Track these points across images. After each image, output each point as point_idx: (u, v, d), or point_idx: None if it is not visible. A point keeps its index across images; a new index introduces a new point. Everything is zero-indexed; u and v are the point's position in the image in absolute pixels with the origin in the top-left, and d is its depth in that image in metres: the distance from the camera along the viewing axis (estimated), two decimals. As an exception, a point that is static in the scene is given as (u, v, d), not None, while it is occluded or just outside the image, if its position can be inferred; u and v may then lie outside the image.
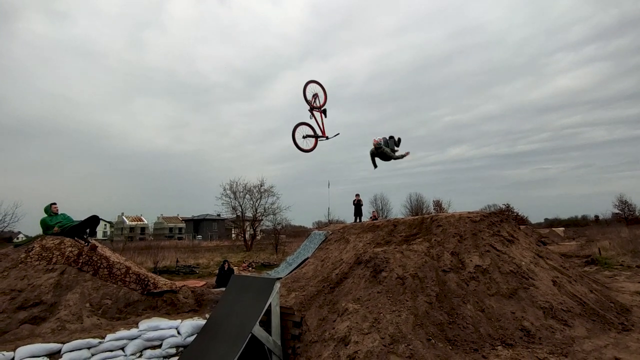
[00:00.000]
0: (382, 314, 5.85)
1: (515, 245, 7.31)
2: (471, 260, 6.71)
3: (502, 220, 8.09)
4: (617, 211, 52.95)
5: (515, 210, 48.24)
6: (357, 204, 18.26)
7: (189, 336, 7.11)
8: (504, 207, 47.23)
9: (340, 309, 6.54)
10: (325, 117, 10.37)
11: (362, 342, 5.39)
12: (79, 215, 8.72)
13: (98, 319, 6.89)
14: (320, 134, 9.87)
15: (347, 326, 5.90)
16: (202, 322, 7.28)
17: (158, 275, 10.24)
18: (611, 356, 4.89)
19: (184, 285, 8.56)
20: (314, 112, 10.11)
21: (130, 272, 7.93)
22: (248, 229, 40.13)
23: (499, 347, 5.18)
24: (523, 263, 6.71)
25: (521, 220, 45.75)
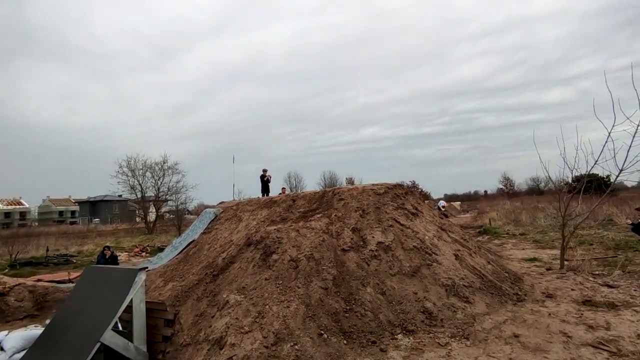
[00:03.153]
0: (267, 306, 4.82)
1: (419, 218, 6.83)
2: (373, 237, 6.01)
3: (407, 193, 7.60)
4: (501, 186, 60.26)
5: (420, 187, 51.68)
6: (265, 180, 17.08)
7: (18, 352, 5.35)
8: (410, 183, 50.19)
9: (221, 301, 5.36)
10: None
11: (240, 344, 4.31)
12: None
13: None
14: None
15: (226, 323, 4.76)
16: (39, 331, 5.54)
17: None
18: (510, 333, 4.54)
19: (20, 283, 6.56)
20: None
21: None
22: (152, 209, 36.45)
23: (399, 335, 4.51)
24: (427, 237, 6.23)
25: (425, 196, 49.20)
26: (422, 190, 49.61)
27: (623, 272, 7.22)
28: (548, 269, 7.85)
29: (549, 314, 5.12)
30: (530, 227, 17.52)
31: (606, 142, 6.92)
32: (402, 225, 6.27)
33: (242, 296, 5.24)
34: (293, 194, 8.36)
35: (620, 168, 6.93)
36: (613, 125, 6.79)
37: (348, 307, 4.86)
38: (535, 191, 52.34)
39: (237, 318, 4.79)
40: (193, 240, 8.17)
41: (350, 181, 47.89)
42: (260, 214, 7.78)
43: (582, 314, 5.08)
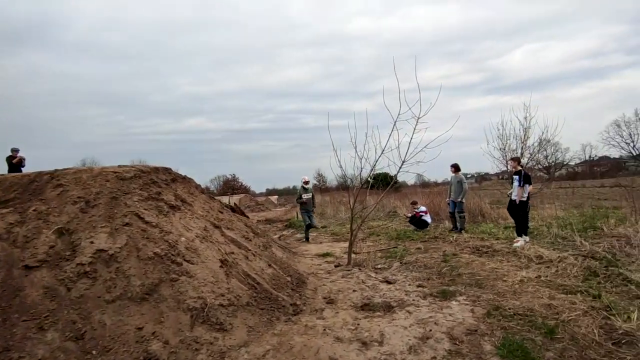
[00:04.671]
0: None
1: (181, 212, 5.04)
2: (92, 242, 3.88)
3: (175, 180, 5.73)
4: (315, 182, 65.82)
5: (240, 181, 50.79)
6: (14, 163, 12.35)
7: None
8: (230, 177, 48.67)
9: None
10: None
11: None
12: None
13: None
14: None
15: None
16: None
17: None
18: (269, 371, 3.25)
19: None
20: None
21: None
22: None
23: (79, 417, 2.60)
24: (182, 239, 4.48)
25: (245, 189, 48.54)
26: (242, 184, 48.83)
27: (401, 263, 7.25)
28: (336, 266, 7.34)
29: (324, 329, 4.13)
30: (332, 219, 18.30)
31: (392, 131, 6.76)
32: (146, 223, 4.33)
33: None
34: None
35: (402, 159, 6.86)
36: (399, 114, 6.63)
37: (-11, 379, 2.64)
38: (343, 187, 58.85)
39: None
40: None
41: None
42: None
43: (358, 324, 4.28)
